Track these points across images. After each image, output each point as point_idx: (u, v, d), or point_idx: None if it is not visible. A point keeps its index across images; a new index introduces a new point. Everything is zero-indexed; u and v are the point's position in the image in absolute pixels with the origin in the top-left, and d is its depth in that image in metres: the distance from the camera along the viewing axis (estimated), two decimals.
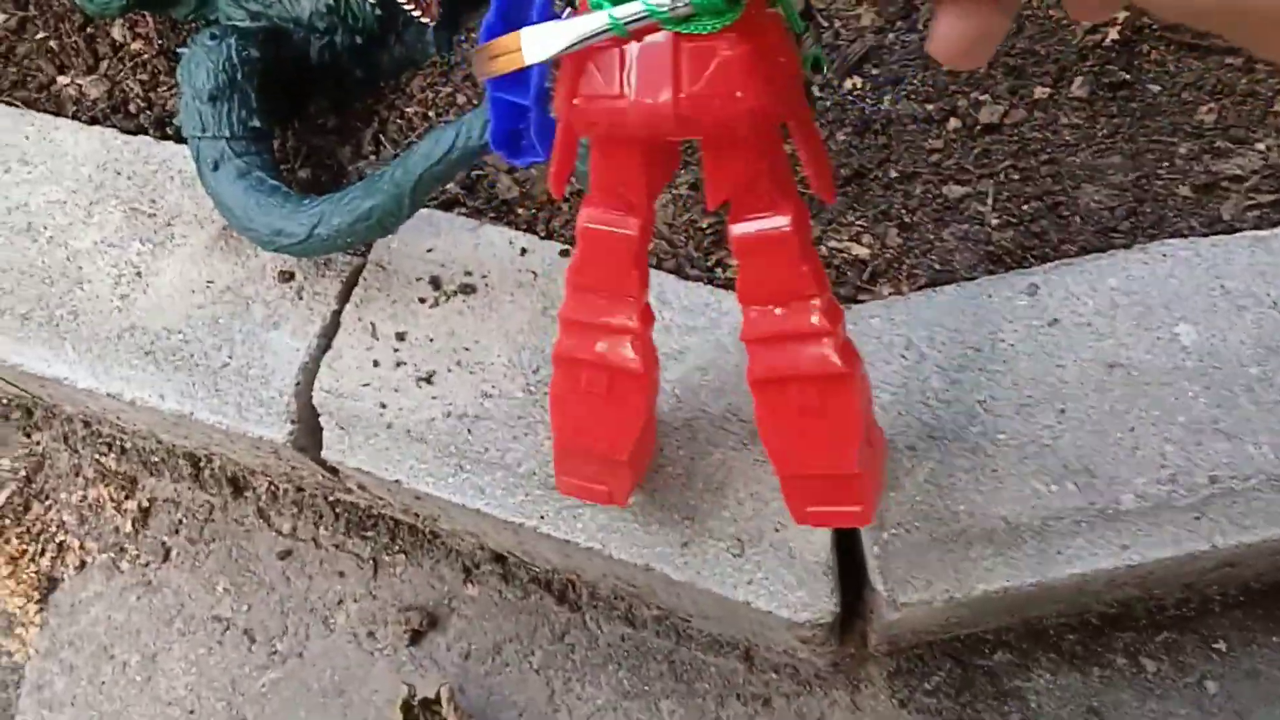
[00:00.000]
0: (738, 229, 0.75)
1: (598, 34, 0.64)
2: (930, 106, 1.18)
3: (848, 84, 1.21)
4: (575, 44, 0.65)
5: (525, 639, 1.30)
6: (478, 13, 1.29)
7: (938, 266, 1.09)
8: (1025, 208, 1.11)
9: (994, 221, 1.11)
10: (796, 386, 0.81)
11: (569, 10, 0.70)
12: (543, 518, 1.07)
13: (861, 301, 1.08)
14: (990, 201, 1.12)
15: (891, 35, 1.23)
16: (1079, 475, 0.97)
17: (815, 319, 0.78)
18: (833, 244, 1.12)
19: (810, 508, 0.88)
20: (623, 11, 0.62)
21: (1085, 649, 1.15)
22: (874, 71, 1.21)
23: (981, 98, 1.18)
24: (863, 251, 1.11)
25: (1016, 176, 1.13)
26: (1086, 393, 1.00)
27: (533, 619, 1.31)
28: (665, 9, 0.62)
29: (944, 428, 1.01)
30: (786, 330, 0.79)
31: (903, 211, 1.13)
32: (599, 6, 0.64)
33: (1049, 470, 0.98)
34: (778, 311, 0.79)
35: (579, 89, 0.69)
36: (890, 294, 1.09)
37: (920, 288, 1.08)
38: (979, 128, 1.16)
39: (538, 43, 0.66)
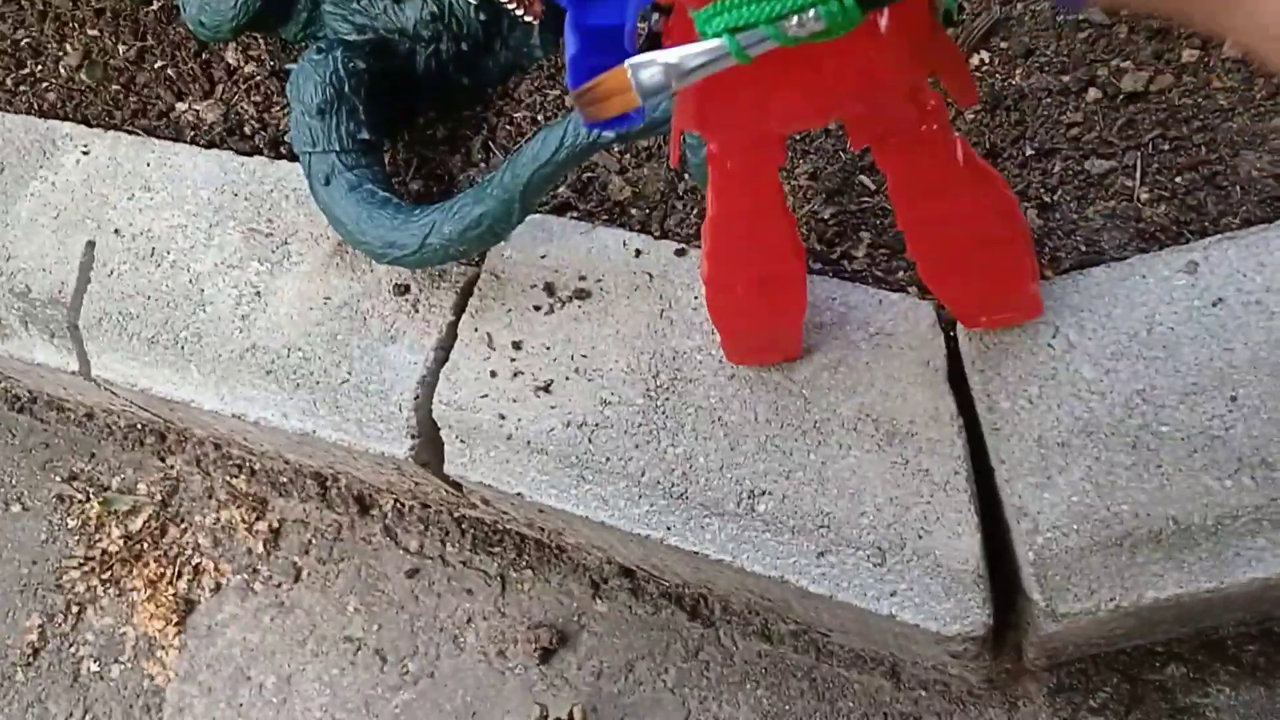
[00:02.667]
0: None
1: (716, 63, 0.62)
2: (1066, 77, 1.10)
3: (975, 59, 1.13)
4: (691, 76, 0.63)
5: (658, 656, 1.26)
6: None
7: (1084, 248, 1.01)
8: (1178, 180, 1.02)
9: (1144, 196, 1.02)
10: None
11: (652, 23, 0.67)
12: (669, 529, 1.02)
13: None
14: (1138, 175, 1.03)
15: (1020, 5, 1.15)
16: (1255, 468, 0.88)
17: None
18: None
19: (982, 316, 0.96)
20: (747, 38, 0.60)
21: (1269, 661, 1.05)
22: (1003, 45, 1.14)
23: (1123, 65, 1.09)
24: None
25: (1166, 147, 1.04)
26: (1260, 377, 0.91)
27: (665, 635, 1.27)
28: (792, 33, 0.59)
29: (1099, 421, 0.93)
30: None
31: (1042, 191, 1.05)
32: (711, 33, 0.61)
33: (1221, 464, 0.89)
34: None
35: (713, 95, 0.65)
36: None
37: (1065, 271, 1.00)
38: (1121, 97, 1.08)
39: (648, 80, 0.64)
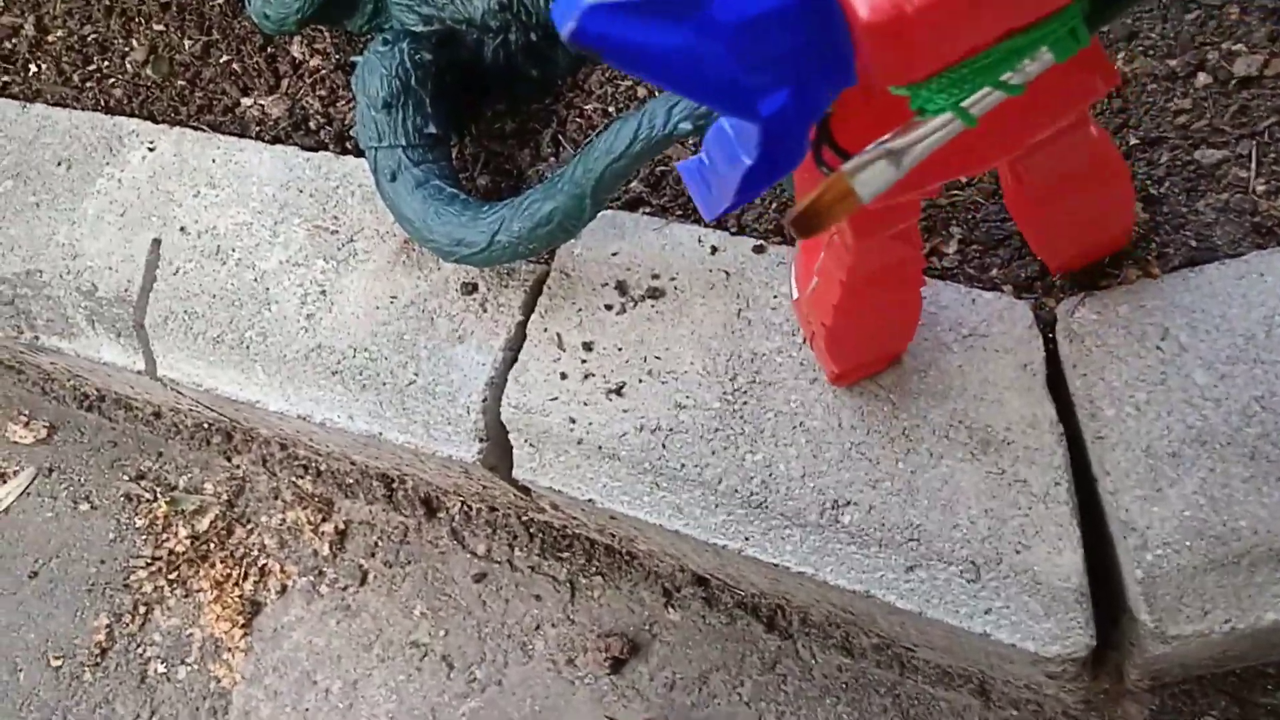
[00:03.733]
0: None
1: (946, 137, 0.58)
2: (1173, 62, 1.03)
3: None
4: (922, 156, 0.59)
5: (733, 668, 1.21)
6: None
7: (1194, 243, 0.95)
8: None
9: (1260, 188, 0.95)
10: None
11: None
12: (747, 539, 0.98)
13: (1104, 287, 0.95)
14: (1254, 165, 0.96)
15: None
16: None
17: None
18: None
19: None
20: (978, 105, 0.56)
21: None
22: (1103, 29, 1.07)
23: (1234, 48, 1.02)
24: None
25: None
26: None
27: (740, 646, 1.22)
28: (1019, 81, 0.56)
29: (1214, 430, 0.86)
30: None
31: (1148, 183, 0.98)
32: (932, 108, 0.57)
33: None
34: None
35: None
36: (1138, 277, 0.95)
37: (1174, 269, 0.94)
38: (1234, 82, 1.01)
39: (868, 176, 0.59)
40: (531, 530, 1.34)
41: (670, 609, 1.26)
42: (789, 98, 0.54)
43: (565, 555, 1.33)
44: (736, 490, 0.97)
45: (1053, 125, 0.69)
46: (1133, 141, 1.01)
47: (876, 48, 0.52)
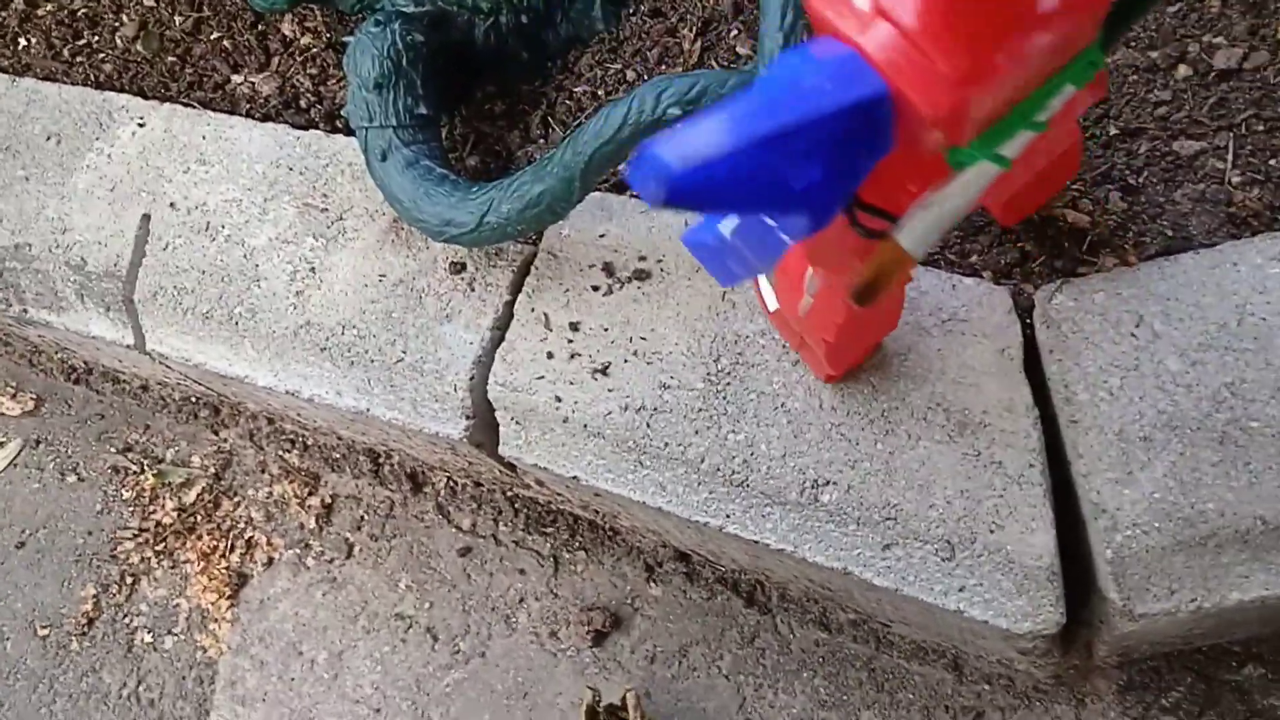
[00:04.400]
0: None
1: (984, 183, 0.61)
2: (1154, 54, 1.05)
3: None
4: (965, 206, 0.61)
5: (713, 642, 1.24)
6: None
7: (1170, 233, 0.97)
8: (1273, 162, 0.97)
9: (1235, 179, 0.97)
10: None
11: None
12: (729, 517, 1.00)
13: (1082, 275, 0.97)
14: (1230, 157, 0.98)
15: None
16: None
17: None
18: (1045, 211, 1.00)
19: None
20: (1011, 149, 0.58)
21: None
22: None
23: (1215, 40, 1.04)
24: (1081, 219, 0.99)
25: (1261, 127, 0.99)
26: None
27: (720, 621, 1.24)
28: (1045, 119, 0.58)
29: (1185, 415, 0.88)
30: None
31: (1126, 172, 1.00)
32: (970, 161, 0.58)
33: None
34: None
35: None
36: (1115, 265, 0.97)
37: (1150, 257, 0.96)
38: (1213, 74, 1.02)
39: (918, 234, 0.62)
40: (516, 505, 1.36)
41: (652, 584, 1.28)
42: (827, 173, 0.56)
43: (549, 530, 1.35)
44: (719, 469, 0.99)
45: (1064, 142, 0.71)
46: (1113, 131, 1.02)
47: (940, 129, 0.54)
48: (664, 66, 1.18)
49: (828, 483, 0.96)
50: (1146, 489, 0.88)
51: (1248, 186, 0.97)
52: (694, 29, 1.18)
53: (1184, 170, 0.99)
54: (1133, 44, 1.05)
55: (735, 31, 1.17)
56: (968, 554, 0.91)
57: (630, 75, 1.19)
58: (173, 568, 1.48)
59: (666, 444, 1.01)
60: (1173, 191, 0.98)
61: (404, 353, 1.12)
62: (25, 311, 1.33)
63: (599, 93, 1.20)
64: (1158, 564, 0.87)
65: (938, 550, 0.92)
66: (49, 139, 1.36)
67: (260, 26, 1.38)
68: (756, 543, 0.99)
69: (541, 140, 1.20)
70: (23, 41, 1.48)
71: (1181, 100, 1.02)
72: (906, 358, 0.97)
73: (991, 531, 0.91)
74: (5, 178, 1.35)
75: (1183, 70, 1.03)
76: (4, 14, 1.51)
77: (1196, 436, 0.88)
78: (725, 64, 1.16)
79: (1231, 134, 0.99)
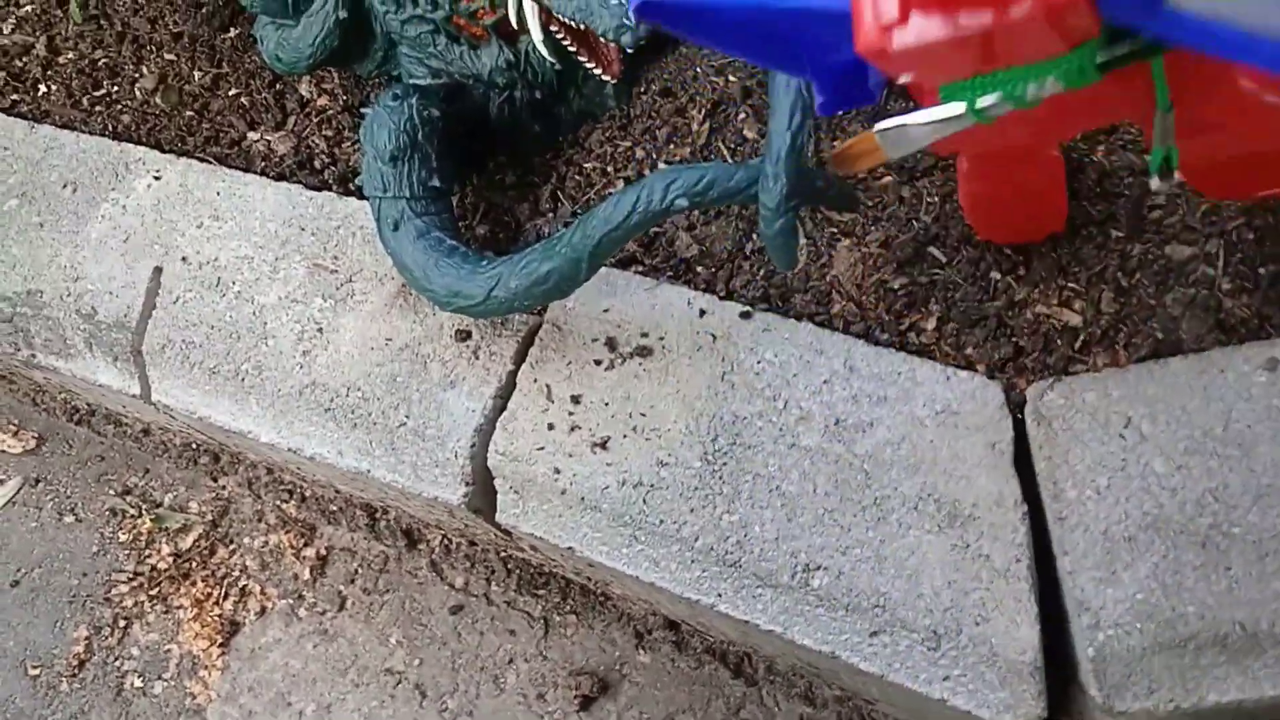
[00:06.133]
0: None
1: (958, 124, 0.67)
2: (1149, 157, 1.07)
3: None
4: (932, 136, 0.70)
5: (699, 711, 1.25)
6: (656, 64, 1.26)
7: (1160, 336, 0.99)
8: (1262, 270, 1.00)
9: (1225, 286, 1.00)
10: None
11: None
12: (720, 595, 1.02)
13: (1074, 373, 0.99)
14: (1220, 264, 1.01)
15: None
16: None
17: None
18: (1040, 309, 1.03)
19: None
20: (986, 102, 0.65)
21: None
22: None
23: None
24: (1074, 318, 1.02)
25: (1251, 235, 1.01)
26: None
27: (707, 691, 1.26)
28: (1032, 98, 0.64)
29: (1169, 518, 0.91)
30: None
31: (1120, 274, 1.03)
32: (947, 99, 0.66)
33: None
34: None
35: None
36: (1106, 365, 0.99)
37: (1141, 359, 0.98)
38: None
39: (895, 141, 0.72)
40: (509, 566, 1.38)
41: (641, 650, 1.30)
42: (787, 56, 0.73)
43: (541, 593, 1.36)
44: (712, 548, 1.01)
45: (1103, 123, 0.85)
46: (1114, 235, 1.05)
47: (868, 58, 0.64)
48: (672, 145, 1.21)
49: (819, 567, 0.98)
50: (1129, 589, 0.89)
51: (1237, 294, 0.99)
52: (703, 110, 1.21)
53: (1175, 274, 1.02)
54: (1129, 147, 1.08)
55: (743, 115, 1.20)
56: (953, 645, 0.93)
57: (639, 153, 1.22)
58: (165, 613, 1.49)
59: (662, 521, 1.03)
60: (1164, 295, 1.01)
61: (407, 417, 1.14)
62: (34, 356, 1.34)
63: (608, 169, 1.22)
64: (1138, 663, 0.88)
65: (924, 639, 0.94)
66: (65, 187, 1.38)
67: (278, 86, 1.41)
68: (747, 622, 1.01)
69: (550, 214, 1.23)
70: (43, 89, 1.51)
71: (1175, 205, 1.05)
72: (900, 446, 1.00)
73: (977, 624, 0.92)
74: (20, 223, 1.37)
75: (1176, 175, 1.06)
76: (25, 60, 1.54)
77: (1180, 539, 0.90)
78: (732, 147, 1.19)
79: (1222, 241, 1.02)
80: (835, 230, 1.12)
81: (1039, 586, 0.93)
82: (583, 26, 1.06)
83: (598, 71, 1.14)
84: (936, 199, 1.10)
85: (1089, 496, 0.93)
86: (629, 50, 1.04)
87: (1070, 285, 1.03)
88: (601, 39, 1.11)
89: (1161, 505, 0.91)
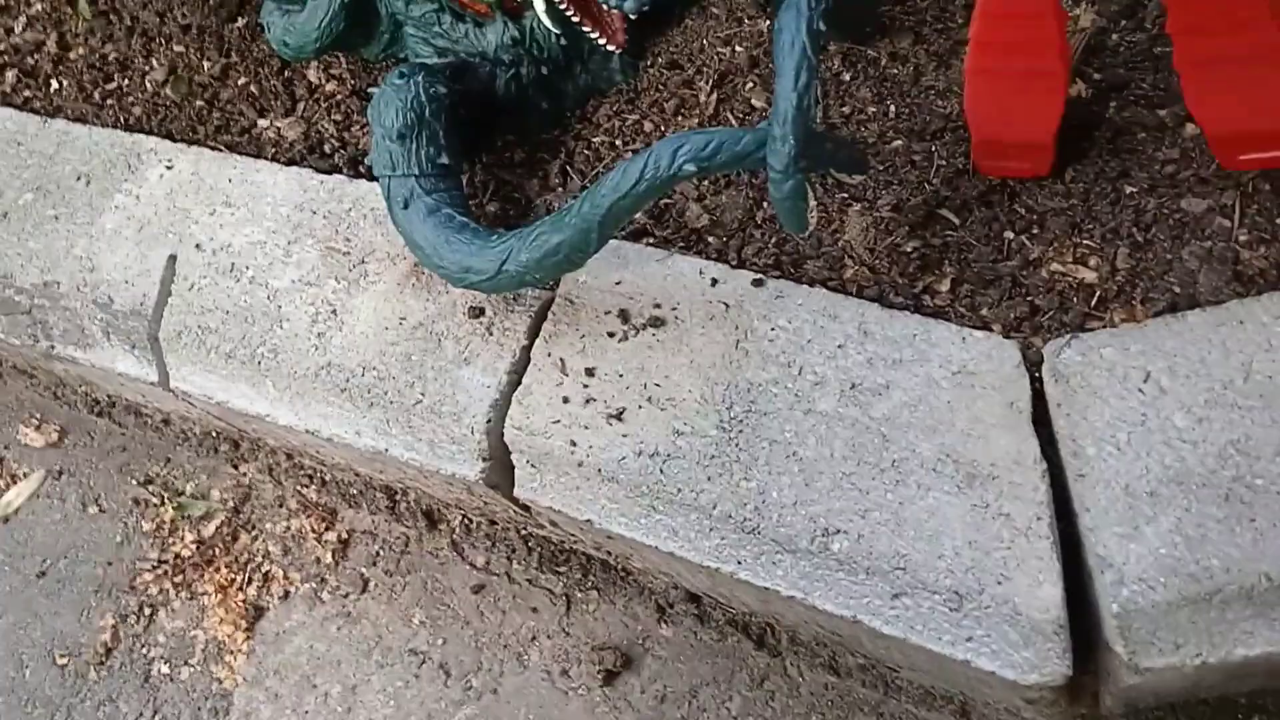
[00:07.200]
0: None
1: None
2: (1163, 112, 1.07)
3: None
4: None
5: (723, 683, 1.25)
6: (662, 37, 1.25)
7: (1177, 290, 0.98)
8: (1279, 221, 0.99)
9: (1242, 238, 0.99)
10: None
11: None
12: (740, 563, 1.01)
13: (1090, 330, 0.98)
14: (1237, 216, 1.00)
15: (1115, 36, 1.12)
16: None
17: None
18: (1055, 267, 1.02)
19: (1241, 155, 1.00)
20: None
21: None
22: (1095, 75, 1.11)
23: None
24: (1089, 275, 1.01)
25: (1267, 186, 1.00)
26: None
27: (730, 663, 1.26)
28: None
29: (1191, 471, 0.90)
30: None
31: (1135, 229, 1.02)
32: None
33: None
34: None
35: None
36: (1123, 321, 0.98)
37: (1158, 314, 0.97)
38: None
39: None
40: (530, 544, 1.38)
41: (663, 624, 1.30)
42: None
43: (562, 569, 1.36)
44: (730, 516, 1.01)
45: None
46: (1128, 190, 1.04)
47: None
48: (680, 118, 1.21)
49: (838, 531, 0.98)
50: (1153, 544, 0.89)
51: (1254, 245, 0.98)
52: (710, 81, 1.21)
53: (1191, 228, 1.01)
54: (1141, 102, 1.07)
55: (750, 84, 1.20)
56: (975, 605, 0.92)
57: (647, 126, 1.22)
58: (190, 599, 1.50)
59: (679, 490, 1.03)
60: (1180, 249, 1.00)
61: (422, 395, 1.14)
62: (53, 347, 1.35)
63: (616, 143, 1.22)
64: (1164, 619, 0.88)
65: (946, 601, 0.93)
66: (79, 179, 1.39)
67: (286, 73, 1.41)
68: (767, 589, 1.01)
69: (560, 188, 1.23)
70: (55, 84, 1.52)
71: (1189, 158, 1.04)
72: (917, 408, 0.99)
73: (999, 583, 0.92)
74: (36, 217, 1.38)
75: (1190, 129, 1.05)
76: (37, 56, 1.55)
77: (1202, 493, 0.89)
78: (740, 116, 1.19)
79: (1238, 193, 1.01)
80: (846, 195, 1.12)
81: (1060, 544, 0.93)
82: None
83: (601, 41, 1.14)
84: (946, 161, 1.09)
85: (1109, 452, 0.93)
86: (632, 17, 1.04)
87: (1085, 242, 1.02)
88: (604, 7, 1.11)
89: (1183, 459, 0.90)
